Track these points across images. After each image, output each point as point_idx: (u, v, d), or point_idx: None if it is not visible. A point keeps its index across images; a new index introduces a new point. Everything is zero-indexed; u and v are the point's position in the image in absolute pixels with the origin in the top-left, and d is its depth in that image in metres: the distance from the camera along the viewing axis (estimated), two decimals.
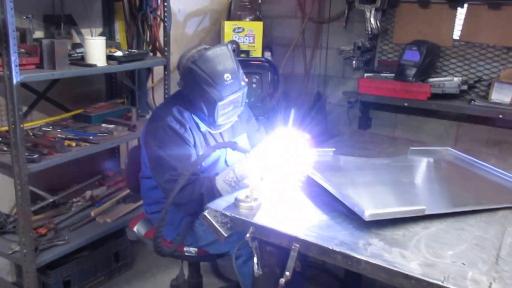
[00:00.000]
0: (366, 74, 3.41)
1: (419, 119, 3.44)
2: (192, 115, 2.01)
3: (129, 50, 2.85)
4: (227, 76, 1.87)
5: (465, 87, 3.01)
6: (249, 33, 3.33)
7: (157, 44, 3.12)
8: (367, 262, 1.24)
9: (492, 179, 1.87)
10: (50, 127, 2.66)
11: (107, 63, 2.48)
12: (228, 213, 1.49)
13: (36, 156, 2.18)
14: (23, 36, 2.37)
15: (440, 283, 1.15)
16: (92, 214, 2.83)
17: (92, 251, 2.78)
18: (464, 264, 1.24)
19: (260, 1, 3.86)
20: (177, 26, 3.67)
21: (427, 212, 1.45)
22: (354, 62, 3.40)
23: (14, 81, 1.96)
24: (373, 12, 3.22)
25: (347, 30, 3.62)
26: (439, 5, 3.12)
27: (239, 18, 3.69)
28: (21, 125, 2.04)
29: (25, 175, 2.11)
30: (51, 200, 2.85)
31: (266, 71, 3.12)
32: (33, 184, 2.89)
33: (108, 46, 2.85)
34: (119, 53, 2.58)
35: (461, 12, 3.05)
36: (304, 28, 3.88)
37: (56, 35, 2.60)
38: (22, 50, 2.23)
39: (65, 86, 2.88)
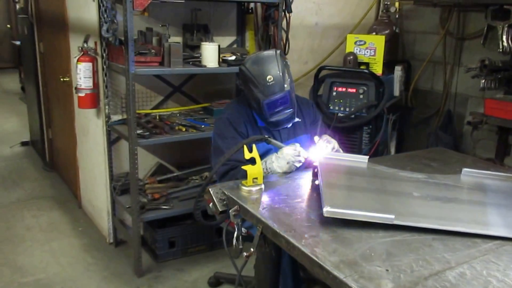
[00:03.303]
0: (497, 95, 3.18)
1: None
2: (252, 111, 2.30)
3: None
4: (269, 78, 2.11)
5: None
6: (370, 46, 3.42)
7: None
8: (299, 249, 1.38)
9: None
10: (178, 115, 3.26)
11: (219, 65, 2.93)
12: (226, 192, 1.76)
13: (147, 134, 2.76)
14: (160, 40, 3.00)
15: (342, 277, 1.22)
16: None
17: (195, 221, 3.28)
18: (387, 270, 1.26)
19: (397, 16, 3.87)
20: (314, 38, 3.97)
21: (395, 222, 1.47)
22: (482, 81, 3.19)
23: (130, 73, 2.56)
24: (505, 29, 2.99)
25: (486, 48, 3.39)
26: None
27: (375, 32, 3.78)
28: (134, 109, 2.64)
29: (135, 148, 2.70)
30: (175, 174, 3.47)
31: (372, 83, 3.18)
32: (167, 160, 3.58)
33: (234, 52, 3.33)
34: (232, 58, 3.01)
35: None
36: (444, 44, 3.77)
37: (188, 41, 3.17)
38: (153, 51, 2.85)
39: (198, 82, 3.46)
